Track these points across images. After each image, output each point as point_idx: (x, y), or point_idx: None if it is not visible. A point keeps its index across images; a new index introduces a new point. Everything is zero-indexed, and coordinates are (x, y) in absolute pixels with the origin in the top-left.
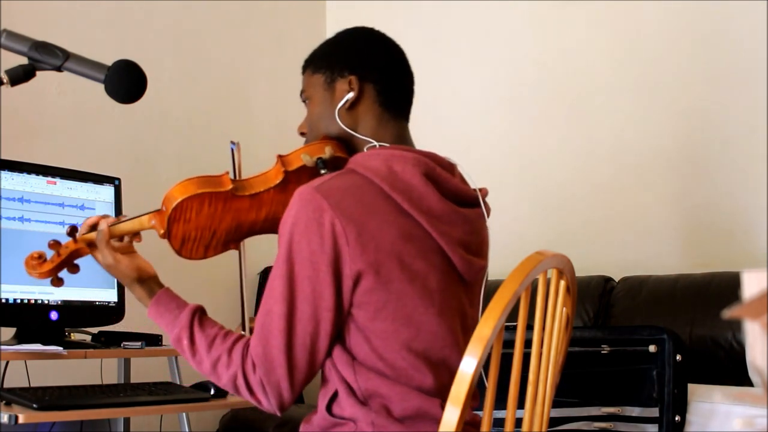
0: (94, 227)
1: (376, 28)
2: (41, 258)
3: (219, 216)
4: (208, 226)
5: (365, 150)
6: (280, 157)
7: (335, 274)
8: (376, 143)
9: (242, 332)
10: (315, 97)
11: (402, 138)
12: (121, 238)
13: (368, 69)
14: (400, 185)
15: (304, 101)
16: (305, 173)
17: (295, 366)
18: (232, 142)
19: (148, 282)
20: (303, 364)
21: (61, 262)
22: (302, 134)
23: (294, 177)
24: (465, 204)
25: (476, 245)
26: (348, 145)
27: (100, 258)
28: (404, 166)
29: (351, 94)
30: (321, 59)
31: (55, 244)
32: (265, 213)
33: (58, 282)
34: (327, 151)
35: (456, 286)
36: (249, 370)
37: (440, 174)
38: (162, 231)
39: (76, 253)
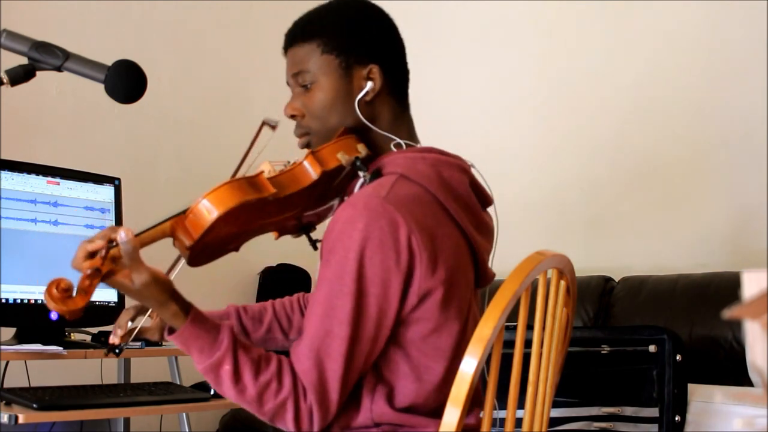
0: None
1: None
2: (69, 291)
3: (252, 221)
4: (236, 233)
5: (392, 148)
6: (312, 153)
7: (403, 291)
8: (401, 141)
9: None
10: (326, 82)
11: (414, 131)
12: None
13: (387, 57)
14: (452, 194)
15: (304, 84)
16: (337, 174)
17: (347, 389)
18: (268, 124)
19: (180, 296)
20: (352, 384)
21: (92, 294)
22: (293, 117)
23: (326, 177)
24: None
25: (489, 254)
26: (364, 139)
27: (135, 278)
28: (452, 173)
29: (371, 85)
30: (333, 38)
31: (93, 274)
32: (287, 214)
33: (79, 314)
34: (362, 150)
35: (476, 295)
36: (301, 396)
37: (476, 180)
38: (190, 243)
39: (104, 278)
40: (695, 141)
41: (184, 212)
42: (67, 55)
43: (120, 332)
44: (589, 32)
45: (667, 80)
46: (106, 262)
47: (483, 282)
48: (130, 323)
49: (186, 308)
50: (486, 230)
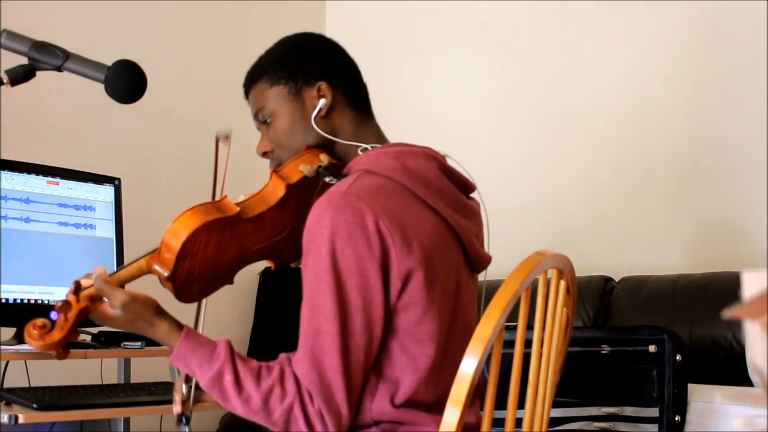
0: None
1: (377, 28)
2: (45, 327)
3: (225, 245)
4: (214, 258)
5: (359, 152)
6: (275, 172)
7: (384, 278)
8: (367, 146)
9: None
10: (281, 111)
11: (381, 135)
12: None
13: (332, 73)
14: (420, 180)
15: (264, 121)
16: (304, 186)
17: (353, 386)
18: (221, 137)
19: (168, 315)
20: (359, 382)
21: (70, 329)
22: (265, 155)
23: (293, 191)
24: (467, 196)
25: (481, 237)
26: (331, 153)
27: (114, 303)
28: (417, 161)
29: (323, 101)
30: (277, 71)
31: (64, 306)
32: (265, 236)
33: (64, 354)
34: (324, 159)
35: (469, 279)
36: (306, 400)
37: (449, 167)
38: (168, 273)
39: (83, 314)
40: (695, 141)
41: (157, 249)
42: (67, 55)
43: (177, 398)
44: (589, 33)
45: (667, 80)
46: (81, 299)
47: (477, 265)
48: (184, 387)
49: (179, 326)
50: (470, 213)
